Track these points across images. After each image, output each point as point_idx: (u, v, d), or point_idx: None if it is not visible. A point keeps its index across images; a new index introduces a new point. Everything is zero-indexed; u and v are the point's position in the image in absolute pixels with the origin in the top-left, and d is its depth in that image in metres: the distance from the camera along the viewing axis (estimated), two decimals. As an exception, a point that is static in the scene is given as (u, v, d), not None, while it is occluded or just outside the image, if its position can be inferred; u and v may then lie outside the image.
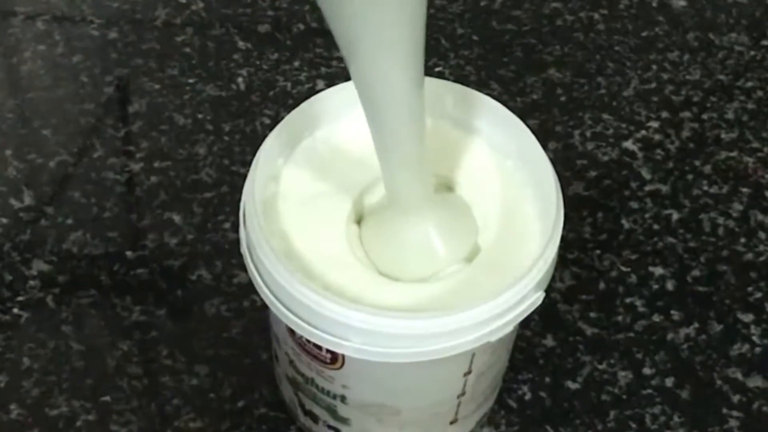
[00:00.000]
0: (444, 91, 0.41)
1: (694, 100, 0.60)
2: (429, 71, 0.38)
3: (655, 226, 0.54)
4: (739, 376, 0.48)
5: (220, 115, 0.58)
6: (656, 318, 0.50)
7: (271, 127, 0.39)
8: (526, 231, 0.39)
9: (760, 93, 0.60)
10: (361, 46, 0.32)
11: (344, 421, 0.41)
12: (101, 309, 0.49)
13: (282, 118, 0.39)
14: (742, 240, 0.53)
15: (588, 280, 0.51)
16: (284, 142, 0.40)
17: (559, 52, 0.62)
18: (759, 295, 0.51)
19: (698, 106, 0.60)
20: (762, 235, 0.54)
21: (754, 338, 0.50)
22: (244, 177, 0.37)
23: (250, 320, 0.49)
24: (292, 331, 0.37)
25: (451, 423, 0.43)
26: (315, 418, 0.43)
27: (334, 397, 0.40)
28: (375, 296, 0.37)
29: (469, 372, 0.39)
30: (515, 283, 0.35)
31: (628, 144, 0.57)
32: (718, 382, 0.48)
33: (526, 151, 0.39)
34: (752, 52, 0.63)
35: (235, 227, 0.50)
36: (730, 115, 0.59)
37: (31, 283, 0.50)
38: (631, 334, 0.49)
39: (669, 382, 0.48)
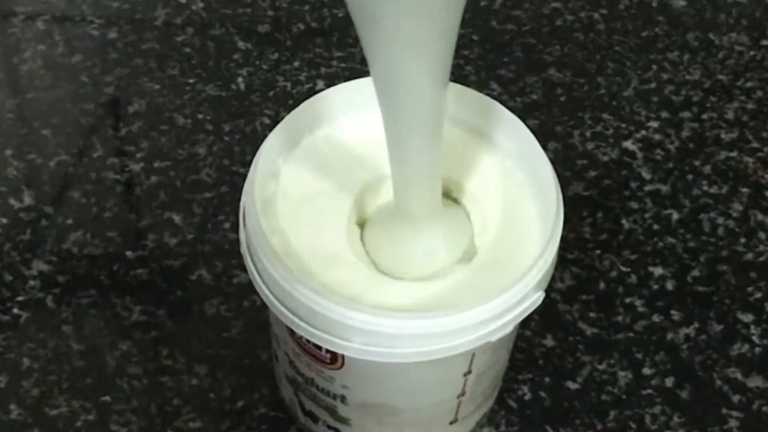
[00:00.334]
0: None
1: (694, 100, 0.60)
2: (429, 71, 0.38)
3: (655, 226, 0.54)
4: (739, 376, 0.48)
5: (220, 115, 0.58)
6: (656, 318, 0.50)
7: (271, 127, 0.39)
8: (526, 231, 0.39)
9: (760, 93, 0.60)
10: (392, 52, 0.32)
11: (344, 421, 0.41)
12: (101, 309, 0.49)
13: (282, 118, 0.39)
14: (742, 240, 0.53)
15: (588, 280, 0.51)
16: (285, 141, 0.40)
17: (559, 52, 0.62)
18: (759, 295, 0.51)
19: (698, 106, 0.60)
20: (762, 235, 0.54)
21: (754, 338, 0.50)
22: (244, 177, 0.37)
23: (250, 320, 0.49)
24: (292, 331, 0.37)
25: (451, 423, 0.43)
26: (315, 418, 0.43)
27: (334, 397, 0.40)
28: (375, 295, 0.37)
29: (469, 372, 0.39)
30: (515, 283, 0.35)
31: (628, 144, 0.57)
32: (718, 382, 0.48)
33: (526, 151, 0.39)
34: (752, 52, 0.63)
35: (235, 227, 0.50)
36: (730, 115, 0.59)
37: (31, 283, 0.50)
38: (631, 334, 0.49)
39: (669, 382, 0.48)
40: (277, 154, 0.39)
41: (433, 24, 0.31)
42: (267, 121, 0.57)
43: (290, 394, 0.43)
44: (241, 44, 0.61)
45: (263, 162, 0.38)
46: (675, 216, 0.54)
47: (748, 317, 0.51)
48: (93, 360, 0.48)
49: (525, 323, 0.43)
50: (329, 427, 0.43)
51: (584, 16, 0.64)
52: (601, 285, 0.51)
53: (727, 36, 0.63)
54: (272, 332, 0.42)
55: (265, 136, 0.39)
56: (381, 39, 0.32)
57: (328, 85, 0.43)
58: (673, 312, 0.50)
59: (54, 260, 0.51)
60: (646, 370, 0.48)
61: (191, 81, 0.59)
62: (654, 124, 0.58)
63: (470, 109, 0.41)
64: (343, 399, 0.40)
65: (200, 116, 0.57)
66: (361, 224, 0.40)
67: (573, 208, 0.54)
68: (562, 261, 0.51)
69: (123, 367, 0.47)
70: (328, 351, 0.37)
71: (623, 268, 0.52)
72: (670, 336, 0.50)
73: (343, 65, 0.60)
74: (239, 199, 0.37)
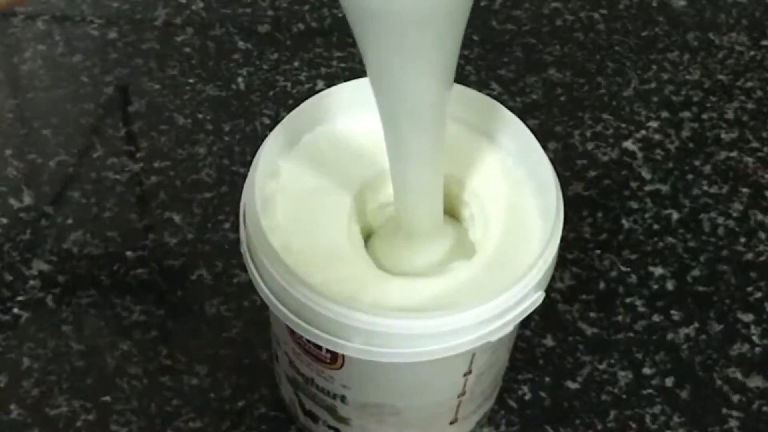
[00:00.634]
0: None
1: (694, 100, 0.60)
2: (429, 71, 0.38)
3: (655, 226, 0.54)
4: (739, 376, 0.48)
5: (220, 115, 0.58)
6: (656, 318, 0.50)
7: (271, 127, 0.39)
8: (526, 230, 0.39)
9: (760, 93, 0.60)
10: (397, 74, 0.33)
11: (344, 421, 0.41)
12: (101, 309, 0.49)
13: (282, 118, 0.39)
14: (742, 240, 0.53)
15: (588, 280, 0.51)
16: (285, 140, 0.40)
17: (559, 52, 0.62)
18: (759, 295, 0.51)
19: (698, 106, 0.60)
20: (762, 235, 0.54)
21: (754, 338, 0.50)
22: (244, 177, 0.37)
23: (250, 320, 0.49)
24: (292, 331, 0.37)
25: (451, 423, 0.43)
26: (315, 418, 0.43)
27: (334, 397, 0.40)
28: (375, 292, 0.37)
29: (469, 372, 0.39)
30: (515, 283, 0.35)
31: (628, 144, 0.57)
32: (718, 382, 0.48)
33: (526, 151, 0.39)
34: (752, 52, 0.63)
35: (235, 227, 0.50)
36: (730, 115, 0.59)
37: (31, 283, 0.50)
38: (631, 334, 0.49)
39: (669, 382, 0.48)
40: (277, 154, 0.39)
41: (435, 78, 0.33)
42: (267, 121, 0.57)
43: (290, 394, 0.43)
44: (241, 44, 0.61)
45: (263, 161, 0.38)
46: (675, 216, 0.54)
47: (748, 317, 0.50)
48: (93, 360, 0.48)
49: (525, 323, 0.43)
50: (329, 427, 0.42)
51: (584, 16, 0.64)
52: (601, 285, 0.51)
53: (727, 36, 0.63)
54: (272, 332, 0.42)
55: (265, 136, 0.39)
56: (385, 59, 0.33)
57: (328, 85, 0.43)
58: (673, 312, 0.50)
59: (54, 260, 0.51)
60: (646, 370, 0.48)
61: (191, 81, 0.59)
62: (654, 124, 0.58)
63: (471, 109, 0.41)
64: (343, 399, 0.40)
65: (200, 116, 0.57)
66: (366, 235, 0.40)
67: (573, 208, 0.54)
68: (562, 261, 0.51)
69: (123, 367, 0.47)
70: (328, 351, 0.37)
71: (623, 268, 0.52)
72: (670, 336, 0.50)
73: (343, 65, 0.60)
74: (239, 199, 0.37)
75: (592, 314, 0.50)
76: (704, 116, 0.59)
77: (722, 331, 0.50)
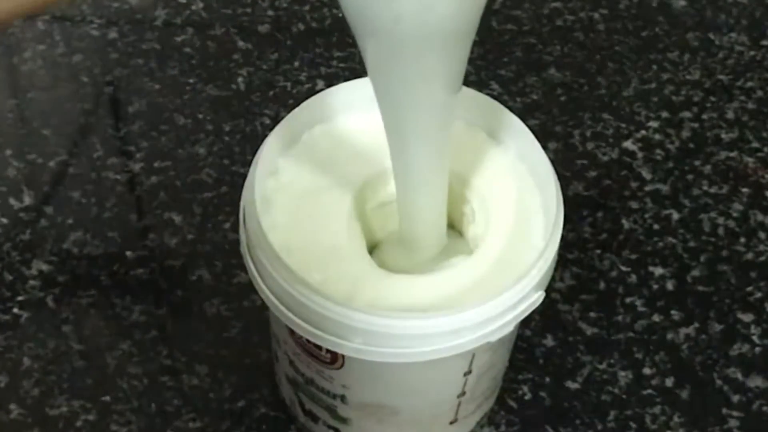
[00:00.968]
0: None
1: (694, 100, 0.60)
2: (429, 71, 0.38)
3: (655, 226, 0.54)
4: (739, 376, 0.48)
5: (220, 115, 0.58)
6: (656, 318, 0.50)
7: (271, 127, 0.39)
8: (527, 230, 0.39)
9: (760, 93, 0.60)
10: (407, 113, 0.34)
11: (344, 421, 0.41)
12: (101, 309, 0.49)
13: (282, 118, 0.39)
14: (742, 240, 0.53)
15: (588, 280, 0.51)
16: (285, 140, 0.40)
17: (559, 52, 0.62)
18: (759, 295, 0.51)
19: (698, 106, 0.60)
20: (762, 235, 0.54)
21: (754, 338, 0.50)
22: (244, 177, 0.37)
23: (250, 320, 0.49)
24: (292, 331, 0.37)
25: (451, 423, 0.43)
26: (315, 418, 0.43)
27: (334, 397, 0.40)
28: (375, 290, 0.37)
29: (469, 372, 0.39)
30: (515, 283, 0.35)
31: (628, 144, 0.57)
32: (718, 382, 0.48)
33: (526, 151, 0.39)
34: (752, 52, 0.63)
35: (235, 227, 0.50)
36: (730, 115, 0.59)
37: (31, 283, 0.50)
38: (631, 334, 0.49)
39: (669, 382, 0.48)
40: (277, 153, 0.39)
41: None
42: (267, 121, 0.57)
43: (290, 394, 0.43)
44: (241, 44, 0.61)
45: (263, 160, 0.38)
46: (675, 216, 0.54)
47: (748, 317, 0.50)
48: (93, 360, 0.48)
49: (525, 323, 0.43)
50: (329, 426, 0.42)
51: (584, 16, 0.64)
52: (601, 285, 0.51)
53: (727, 36, 0.63)
54: (272, 332, 0.42)
55: (265, 136, 0.39)
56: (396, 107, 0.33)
57: (328, 85, 0.43)
58: (673, 312, 0.50)
59: (54, 260, 0.51)
60: (646, 370, 0.48)
61: (191, 81, 0.59)
62: (654, 124, 0.58)
63: (471, 109, 0.41)
64: (343, 399, 0.40)
65: (200, 116, 0.57)
66: (371, 249, 0.41)
67: (573, 208, 0.54)
68: (562, 261, 0.51)
69: (123, 367, 0.47)
70: (327, 351, 0.37)
71: (623, 268, 0.52)
72: (670, 336, 0.50)
73: (343, 65, 0.60)
74: (239, 199, 0.37)
75: (592, 314, 0.50)
76: (704, 116, 0.59)
77: (722, 331, 0.50)
